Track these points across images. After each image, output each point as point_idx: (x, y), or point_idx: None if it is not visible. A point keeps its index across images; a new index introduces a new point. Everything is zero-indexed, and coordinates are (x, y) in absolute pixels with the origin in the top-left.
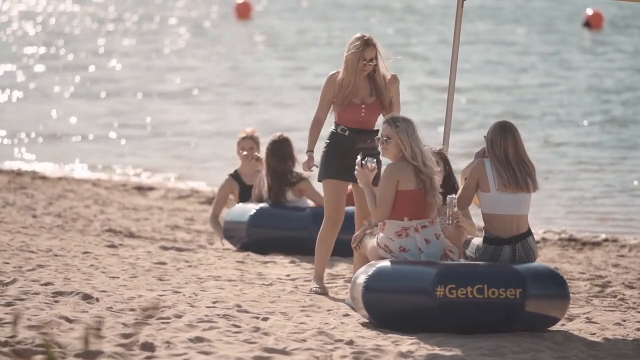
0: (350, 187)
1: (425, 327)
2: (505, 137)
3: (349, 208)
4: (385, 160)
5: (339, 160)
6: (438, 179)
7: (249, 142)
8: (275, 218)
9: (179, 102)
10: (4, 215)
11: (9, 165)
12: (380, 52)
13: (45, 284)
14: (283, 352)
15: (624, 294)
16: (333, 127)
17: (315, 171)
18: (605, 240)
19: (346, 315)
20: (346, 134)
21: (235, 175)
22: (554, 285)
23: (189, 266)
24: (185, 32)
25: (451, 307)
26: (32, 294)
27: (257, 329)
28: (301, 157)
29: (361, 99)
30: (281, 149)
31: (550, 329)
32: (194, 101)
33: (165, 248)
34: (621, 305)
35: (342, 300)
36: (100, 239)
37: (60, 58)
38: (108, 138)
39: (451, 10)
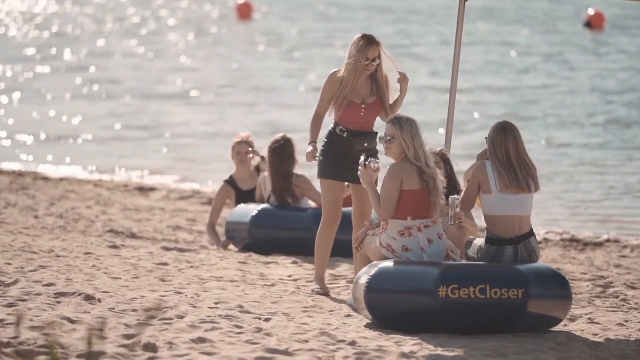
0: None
1: (427, 327)
2: (505, 136)
3: (346, 209)
4: (385, 161)
5: (336, 160)
6: (441, 180)
7: (244, 146)
8: (277, 219)
9: (179, 103)
10: (5, 215)
11: (10, 166)
12: (383, 51)
13: (47, 285)
14: (285, 352)
15: (625, 295)
16: (332, 126)
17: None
18: (607, 240)
19: (348, 315)
20: (344, 135)
21: (231, 181)
22: (557, 286)
23: (191, 267)
24: (186, 32)
25: (453, 307)
26: (34, 294)
27: (259, 330)
28: (302, 158)
29: (361, 99)
30: (283, 149)
31: (553, 329)
32: (194, 102)
33: (167, 249)
34: (623, 305)
35: (344, 301)
36: (102, 239)
37: (61, 59)
38: (109, 139)
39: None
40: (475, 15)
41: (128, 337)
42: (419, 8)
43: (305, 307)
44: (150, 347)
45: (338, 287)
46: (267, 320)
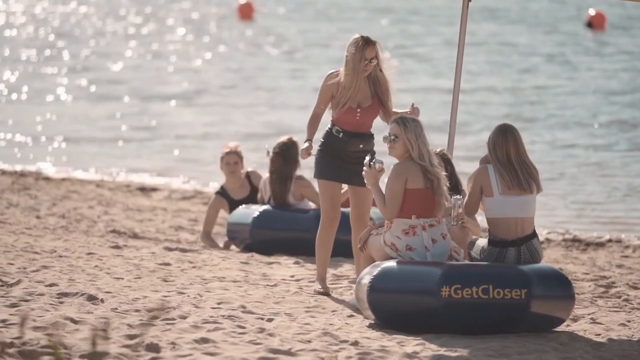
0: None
1: (430, 327)
2: (506, 138)
3: (346, 209)
4: (390, 162)
5: (333, 161)
6: (446, 180)
7: (233, 157)
8: (279, 220)
9: (182, 104)
10: (7, 216)
11: (12, 166)
12: (380, 51)
13: (50, 285)
14: (288, 353)
15: (628, 295)
16: (329, 127)
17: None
18: (609, 240)
19: (351, 316)
20: (340, 135)
21: (222, 192)
22: (559, 286)
23: (193, 267)
24: (188, 33)
25: (456, 307)
26: (36, 295)
27: (262, 330)
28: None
29: (357, 103)
30: (288, 151)
31: (556, 329)
32: (196, 103)
33: (169, 249)
34: (625, 306)
35: (346, 302)
36: (104, 239)
37: (63, 60)
38: (111, 140)
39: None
40: (477, 16)
41: (131, 337)
42: (420, 8)
43: (308, 308)
44: (153, 348)
45: (340, 287)
46: (269, 320)
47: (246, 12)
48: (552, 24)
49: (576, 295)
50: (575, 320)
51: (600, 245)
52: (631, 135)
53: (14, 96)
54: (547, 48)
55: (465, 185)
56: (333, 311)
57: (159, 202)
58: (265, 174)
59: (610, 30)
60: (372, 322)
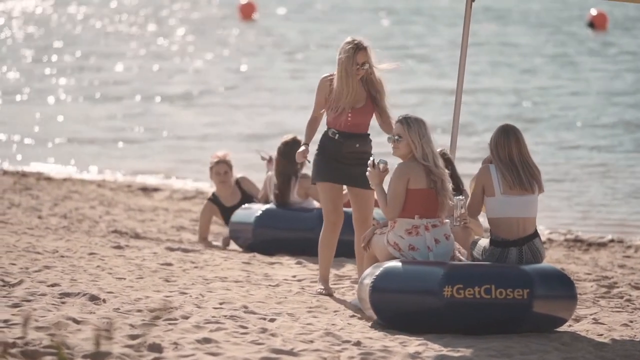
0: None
1: (432, 327)
2: (508, 138)
3: (347, 209)
4: (394, 162)
5: (330, 163)
6: (449, 181)
7: (223, 166)
8: (282, 219)
9: (183, 104)
10: (9, 216)
11: (14, 166)
12: (371, 55)
13: (52, 285)
14: (290, 353)
15: (630, 295)
16: (325, 130)
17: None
18: (611, 241)
19: (353, 316)
20: (336, 137)
21: (214, 199)
22: (562, 286)
23: (195, 267)
24: (189, 33)
25: (459, 307)
26: (39, 295)
27: (264, 330)
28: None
29: (350, 105)
30: (292, 150)
31: (558, 329)
32: (198, 103)
33: (171, 249)
34: (628, 306)
35: (349, 302)
36: (106, 240)
37: (64, 60)
38: (112, 140)
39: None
40: (480, 17)
41: (133, 337)
42: (422, 9)
43: (310, 308)
44: (155, 348)
45: (343, 287)
46: (272, 320)
47: (247, 13)
48: (554, 25)
49: (578, 296)
50: (577, 320)
51: (602, 245)
52: (635, 136)
53: (16, 97)
54: (550, 48)
55: (467, 185)
56: (335, 311)
57: (160, 202)
58: (262, 176)
59: (612, 30)
60: (375, 322)
